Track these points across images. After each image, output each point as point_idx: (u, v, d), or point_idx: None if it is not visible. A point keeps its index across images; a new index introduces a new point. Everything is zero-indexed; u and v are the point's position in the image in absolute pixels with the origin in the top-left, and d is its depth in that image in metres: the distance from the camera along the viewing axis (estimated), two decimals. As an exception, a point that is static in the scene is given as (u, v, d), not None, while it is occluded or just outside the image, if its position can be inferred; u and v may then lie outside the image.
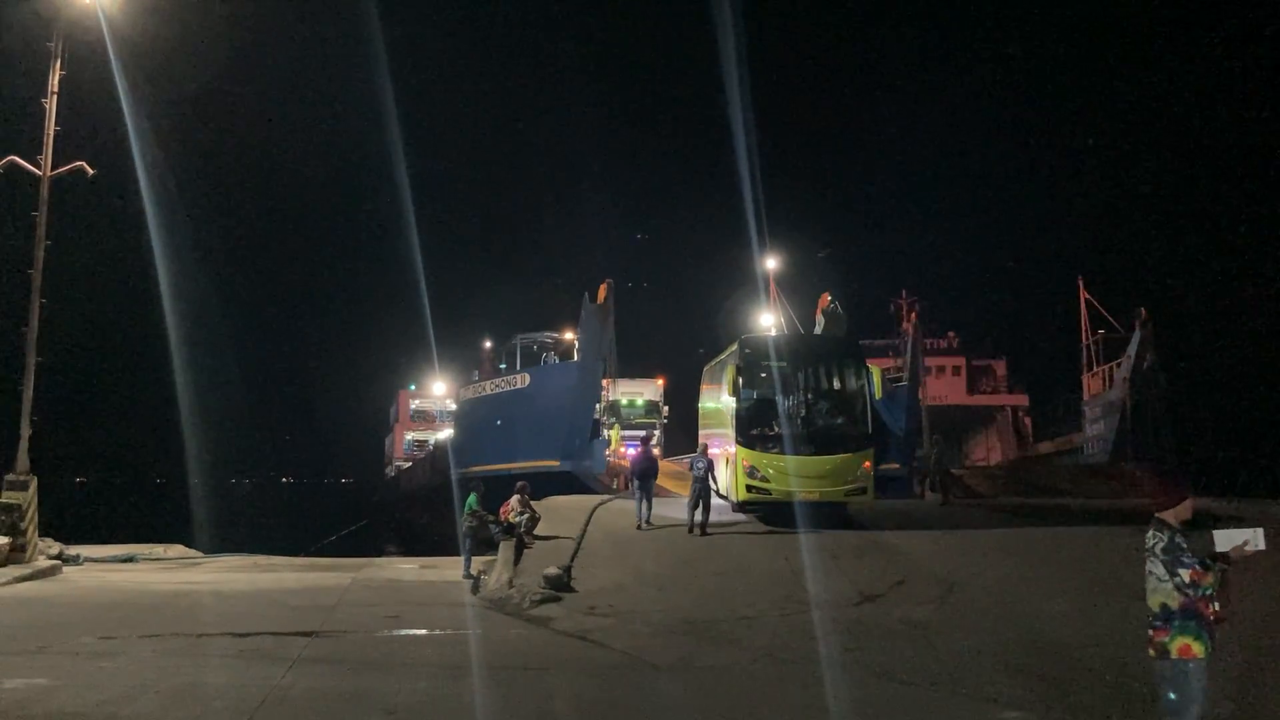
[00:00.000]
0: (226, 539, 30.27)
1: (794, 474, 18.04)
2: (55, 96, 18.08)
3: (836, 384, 19.60)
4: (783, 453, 18.32)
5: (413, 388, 66.00)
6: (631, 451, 33.23)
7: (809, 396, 19.19)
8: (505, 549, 15.88)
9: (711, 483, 18.08)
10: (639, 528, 18.21)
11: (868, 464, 18.55)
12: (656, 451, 26.37)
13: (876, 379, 19.51)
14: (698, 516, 17.74)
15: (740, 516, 19.25)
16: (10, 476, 16.98)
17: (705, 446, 19.79)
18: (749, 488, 18.38)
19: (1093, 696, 8.21)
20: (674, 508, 19.71)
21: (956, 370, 55.27)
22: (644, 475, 19.01)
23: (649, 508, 18.55)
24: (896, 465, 28.59)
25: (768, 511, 18.86)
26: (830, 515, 18.39)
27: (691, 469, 18.60)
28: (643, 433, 27.72)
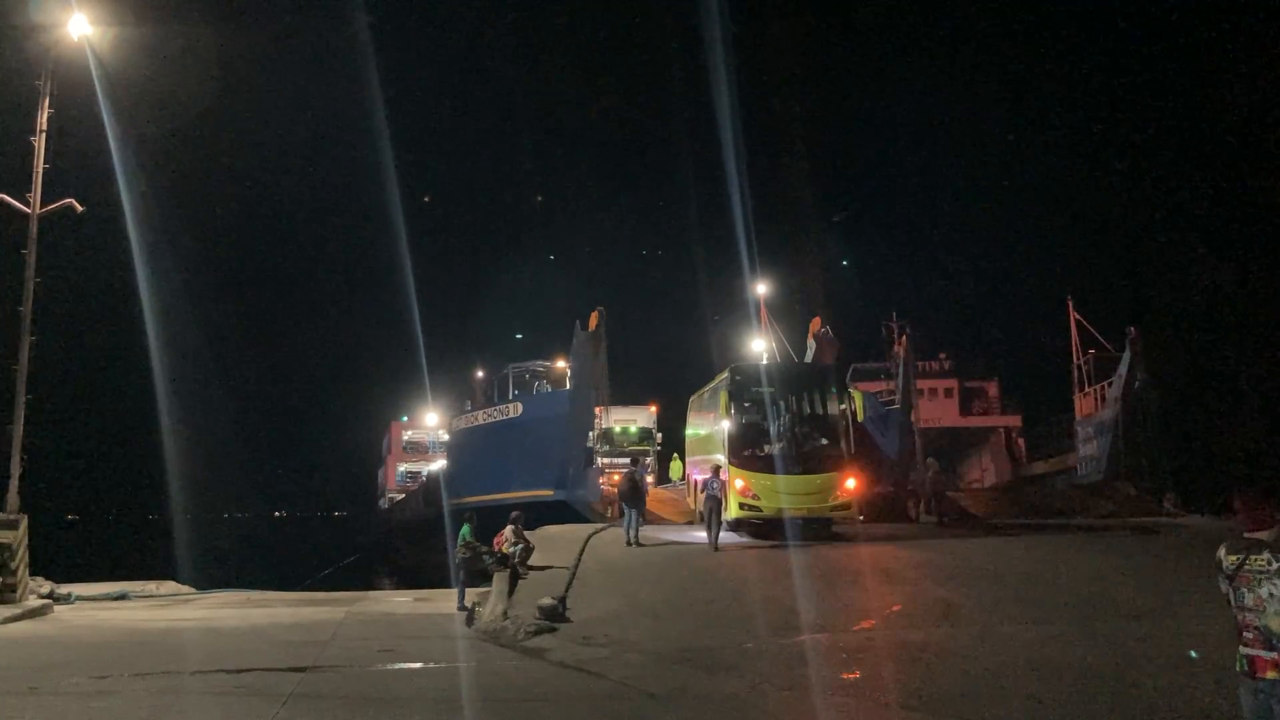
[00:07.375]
0: (219, 575, 30.07)
1: (783, 492, 19.17)
2: (44, 134, 18.14)
3: (820, 408, 20.66)
4: (772, 472, 19.42)
5: (404, 419, 65.77)
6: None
7: (795, 420, 20.38)
8: (499, 580, 15.80)
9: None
10: (628, 544, 19.10)
11: (852, 482, 19.68)
12: (651, 479, 26.67)
13: (859, 402, 20.99)
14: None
15: (733, 535, 19.97)
16: (0, 515, 16.86)
17: (718, 468, 20.14)
18: (741, 505, 19.46)
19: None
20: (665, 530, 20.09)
21: (949, 392, 55.23)
22: (628, 498, 20.01)
23: (636, 528, 19.36)
24: (891, 488, 28.71)
25: (759, 528, 19.88)
26: (821, 533, 19.40)
27: (705, 489, 19.27)
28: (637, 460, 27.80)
